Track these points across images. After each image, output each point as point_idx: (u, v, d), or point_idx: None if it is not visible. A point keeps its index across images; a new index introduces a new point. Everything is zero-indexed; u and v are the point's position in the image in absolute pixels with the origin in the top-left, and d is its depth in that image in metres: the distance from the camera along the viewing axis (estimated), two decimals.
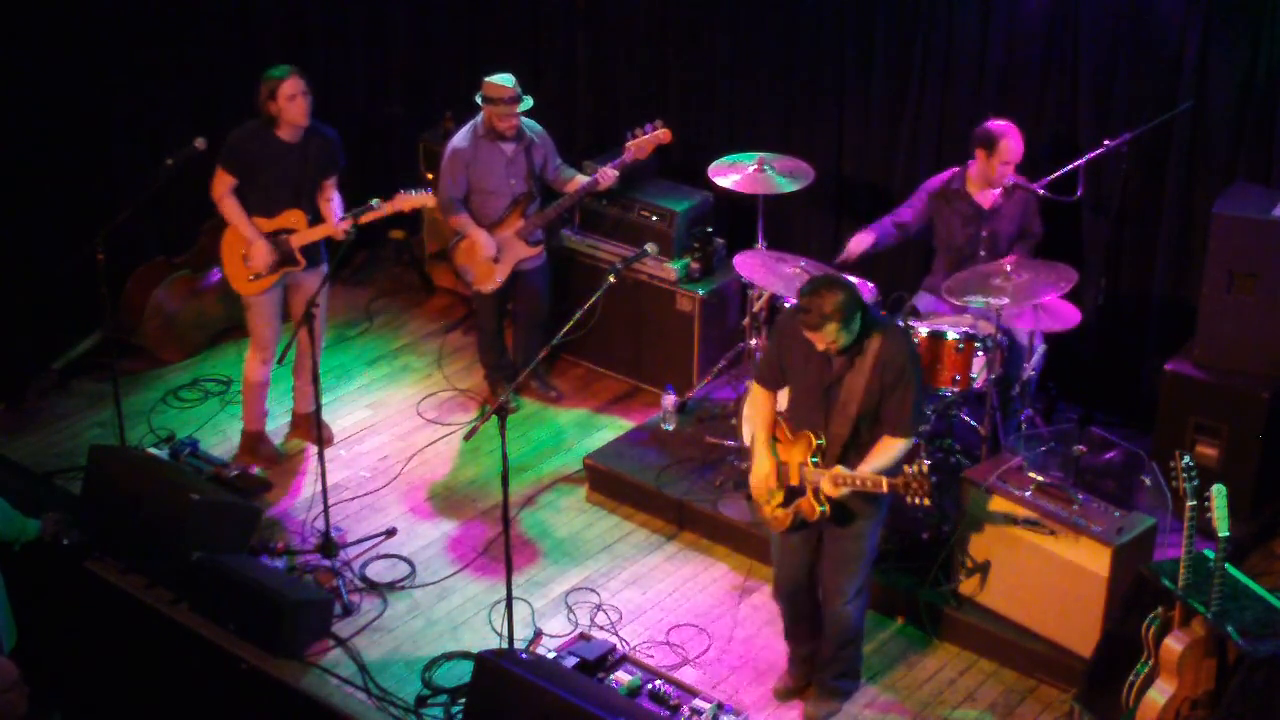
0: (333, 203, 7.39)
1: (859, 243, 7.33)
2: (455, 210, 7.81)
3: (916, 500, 5.55)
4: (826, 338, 5.55)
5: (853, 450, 5.73)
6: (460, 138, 7.80)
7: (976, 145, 7.18)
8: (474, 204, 7.84)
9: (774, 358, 5.91)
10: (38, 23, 8.06)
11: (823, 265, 7.15)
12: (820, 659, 6.20)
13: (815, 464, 5.72)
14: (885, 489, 5.57)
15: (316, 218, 7.34)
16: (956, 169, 7.36)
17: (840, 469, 5.65)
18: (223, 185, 7.29)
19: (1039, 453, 6.66)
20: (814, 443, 5.73)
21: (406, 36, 9.62)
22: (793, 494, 5.82)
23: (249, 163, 7.24)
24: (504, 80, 7.62)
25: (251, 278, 7.37)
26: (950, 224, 7.35)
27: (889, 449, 5.68)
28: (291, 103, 7.12)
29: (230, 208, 7.31)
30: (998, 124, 7.14)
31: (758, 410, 5.94)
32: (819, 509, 5.73)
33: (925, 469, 5.50)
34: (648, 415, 8.04)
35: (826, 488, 5.65)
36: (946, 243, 7.41)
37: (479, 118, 7.77)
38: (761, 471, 5.87)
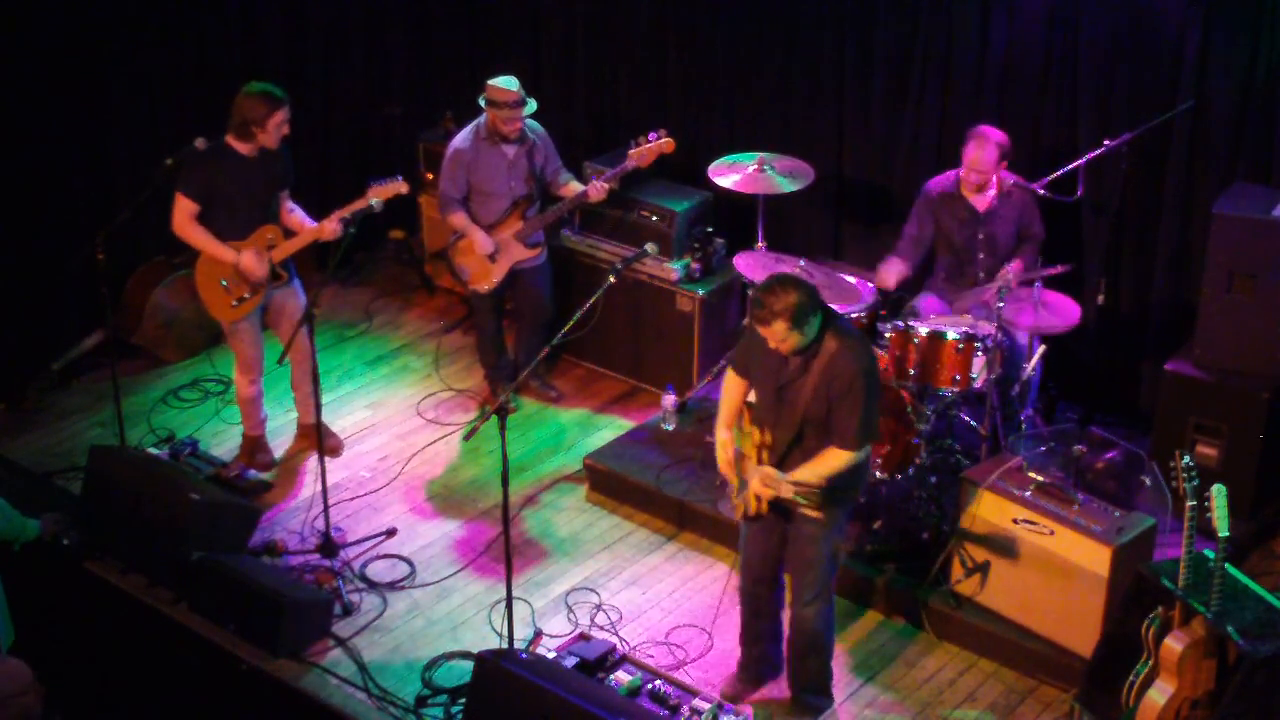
0: (295, 213, 7.37)
1: (889, 272, 7.25)
2: (453, 209, 7.80)
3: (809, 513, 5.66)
4: (776, 336, 5.50)
5: (796, 453, 5.69)
6: (461, 138, 7.80)
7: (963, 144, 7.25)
8: (474, 205, 7.84)
9: (745, 347, 5.90)
10: (38, 23, 8.06)
11: (823, 265, 7.15)
12: (788, 666, 6.19)
13: (758, 460, 5.75)
14: (790, 495, 5.60)
15: (286, 232, 7.29)
16: (953, 172, 7.36)
17: (768, 470, 5.64)
18: (184, 213, 7.11)
19: (1039, 453, 6.66)
20: (759, 439, 5.74)
21: (406, 36, 9.62)
22: (745, 484, 5.85)
23: (211, 182, 7.10)
24: (508, 84, 7.61)
25: (234, 303, 7.26)
26: (948, 227, 7.36)
27: (829, 460, 5.60)
28: (278, 130, 7.07)
29: (197, 234, 7.14)
30: (976, 129, 7.18)
31: (726, 393, 5.95)
32: (754, 505, 5.74)
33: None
34: (648, 415, 8.04)
35: (754, 485, 5.66)
36: (946, 244, 7.42)
37: (481, 119, 7.76)
38: (722, 457, 5.89)
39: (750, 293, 5.64)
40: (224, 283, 7.27)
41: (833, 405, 5.56)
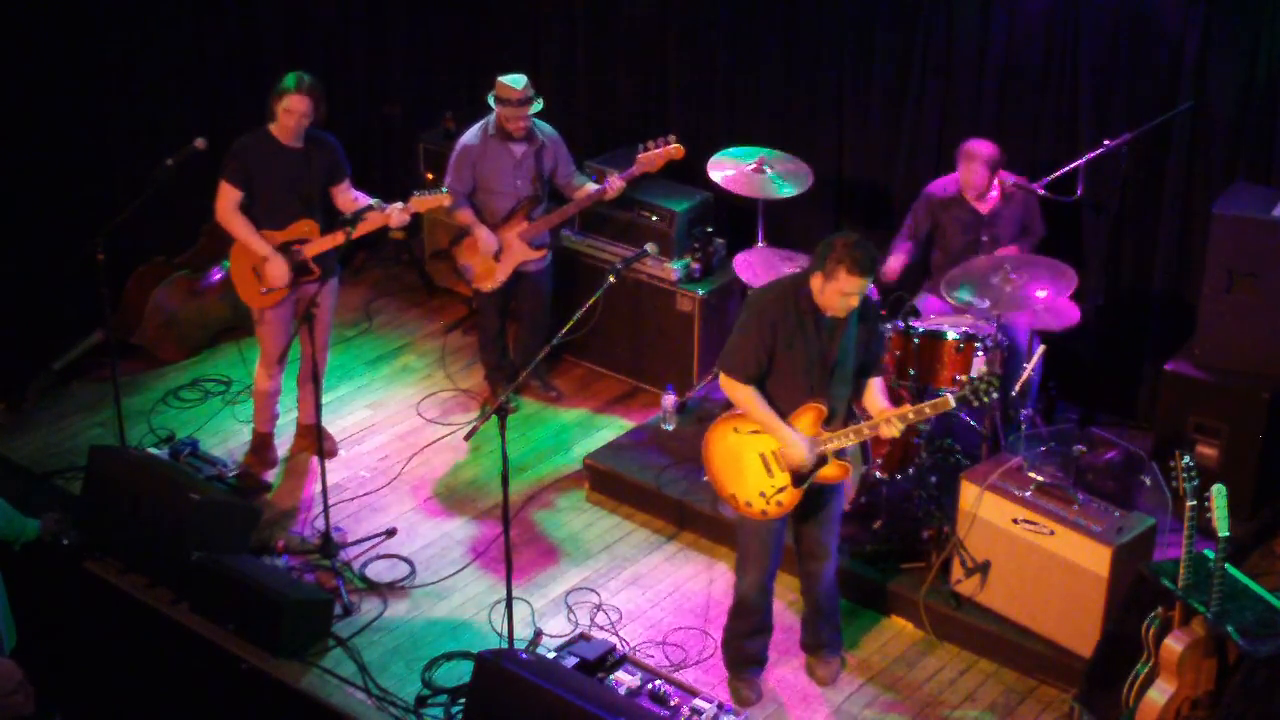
0: (360, 200, 7.29)
1: (891, 268, 7.37)
2: (460, 206, 7.80)
3: (986, 399, 5.60)
4: (867, 286, 5.62)
5: (851, 406, 5.90)
6: (471, 135, 7.79)
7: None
8: (479, 202, 7.83)
9: (761, 344, 5.75)
10: (38, 23, 8.06)
11: None
12: (812, 621, 6.33)
13: (826, 430, 5.81)
14: (952, 405, 5.62)
15: (328, 227, 7.24)
16: (954, 176, 7.36)
17: (897, 414, 5.70)
18: (228, 201, 7.12)
19: (1039, 453, 6.66)
20: (822, 411, 5.79)
21: (406, 36, 9.62)
22: (808, 474, 5.85)
23: (253, 171, 7.09)
24: (515, 81, 7.61)
25: (264, 291, 7.25)
26: (949, 230, 7.37)
27: (881, 387, 5.89)
28: (286, 115, 7.03)
29: (238, 225, 7.13)
30: (963, 146, 7.20)
31: (757, 402, 5.78)
32: (845, 468, 5.89)
33: (985, 371, 5.56)
34: (648, 415, 8.05)
35: (891, 431, 5.70)
36: (946, 247, 7.42)
37: (490, 117, 7.76)
38: (803, 446, 5.76)
39: (856, 251, 5.53)
40: (256, 271, 7.26)
41: (870, 343, 5.84)
